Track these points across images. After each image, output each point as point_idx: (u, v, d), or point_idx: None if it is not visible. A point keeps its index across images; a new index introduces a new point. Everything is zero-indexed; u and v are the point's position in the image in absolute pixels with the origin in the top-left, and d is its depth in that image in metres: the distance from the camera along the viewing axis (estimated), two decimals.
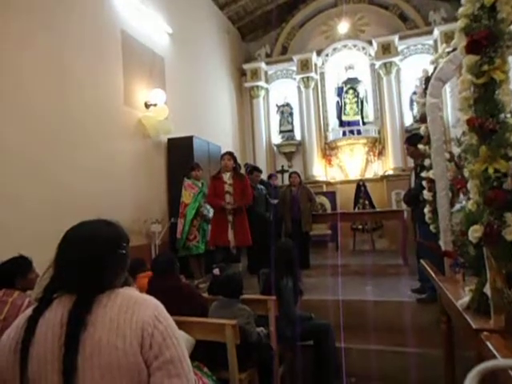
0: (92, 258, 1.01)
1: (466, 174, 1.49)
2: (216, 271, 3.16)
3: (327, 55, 8.86)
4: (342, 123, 8.60)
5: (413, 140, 3.73)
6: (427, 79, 2.65)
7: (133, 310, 0.98)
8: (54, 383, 0.92)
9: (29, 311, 1.02)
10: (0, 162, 3.29)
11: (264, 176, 6.70)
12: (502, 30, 1.37)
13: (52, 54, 3.91)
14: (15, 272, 2.23)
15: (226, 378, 2.35)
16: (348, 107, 8.54)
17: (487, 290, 1.42)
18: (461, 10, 1.49)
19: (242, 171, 5.50)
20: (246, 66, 9.04)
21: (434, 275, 2.49)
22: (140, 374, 0.94)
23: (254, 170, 5.65)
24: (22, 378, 0.93)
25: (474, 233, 1.40)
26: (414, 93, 7.56)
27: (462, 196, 2.19)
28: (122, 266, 1.11)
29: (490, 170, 1.34)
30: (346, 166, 8.58)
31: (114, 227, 1.12)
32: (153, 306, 1.01)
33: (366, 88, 8.64)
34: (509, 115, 1.38)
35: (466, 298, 1.61)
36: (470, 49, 1.42)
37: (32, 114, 3.64)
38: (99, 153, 4.41)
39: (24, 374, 0.93)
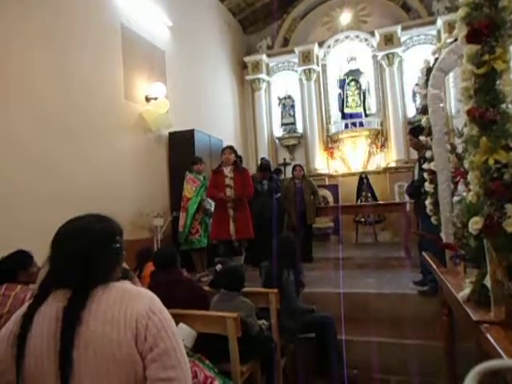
0: (86, 253, 1.01)
1: (467, 165, 1.48)
2: (218, 267, 3.17)
3: (329, 47, 8.78)
4: (344, 115, 8.55)
5: (416, 131, 3.70)
6: (429, 70, 2.62)
7: (127, 302, 0.98)
8: (50, 376, 0.93)
9: (25, 306, 1.03)
10: (10, 151, 3.38)
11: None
12: (503, 19, 1.34)
13: (51, 49, 3.90)
14: (17, 266, 2.26)
15: (227, 370, 2.36)
16: (350, 99, 8.48)
17: (487, 281, 1.42)
18: None
19: (255, 165, 5.52)
20: (247, 59, 8.97)
21: (435, 267, 2.49)
22: (135, 366, 0.95)
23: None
24: (19, 372, 0.94)
25: (475, 224, 1.38)
26: (417, 84, 7.50)
27: (460, 187, 2.17)
28: (116, 260, 1.11)
29: (491, 161, 1.33)
30: (349, 158, 8.54)
31: (107, 221, 1.11)
32: (147, 299, 1.02)
33: (368, 80, 8.57)
34: (510, 105, 1.36)
35: (467, 290, 1.61)
36: (471, 38, 1.39)
37: (37, 110, 3.67)
38: (101, 147, 4.42)
39: (20, 368, 0.94)
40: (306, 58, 8.57)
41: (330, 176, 8.53)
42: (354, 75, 8.52)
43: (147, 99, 5.32)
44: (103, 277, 1.03)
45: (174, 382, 0.95)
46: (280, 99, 9.18)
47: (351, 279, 4.29)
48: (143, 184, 5.11)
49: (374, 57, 8.45)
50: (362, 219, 7.55)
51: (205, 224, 4.88)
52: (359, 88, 8.45)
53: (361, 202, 7.38)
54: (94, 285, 1.00)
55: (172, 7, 6.13)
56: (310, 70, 8.59)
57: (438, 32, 7.71)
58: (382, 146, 8.36)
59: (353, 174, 8.19)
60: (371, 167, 8.36)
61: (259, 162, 6.68)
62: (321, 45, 8.68)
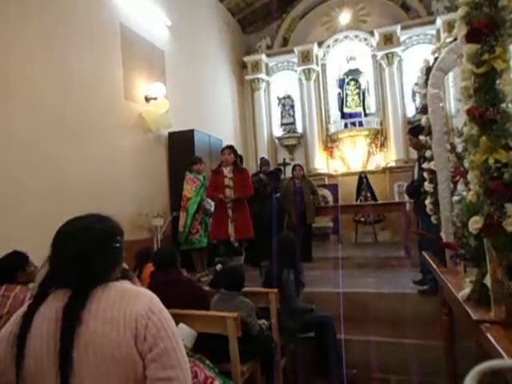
0: (86, 253, 1.01)
1: (467, 164, 1.48)
2: (218, 267, 3.17)
3: (328, 46, 8.78)
4: (343, 115, 8.55)
5: (416, 131, 3.70)
6: (428, 69, 2.62)
7: (127, 302, 0.98)
8: (50, 376, 0.93)
9: (25, 307, 1.03)
10: (10, 151, 3.38)
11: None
12: (503, 18, 1.34)
13: (51, 49, 3.89)
14: (15, 267, 2.26)
15: (228, 370, 2.36)
16: (350, 99, 8.48)
17: (487, 281, 1.42)
18: None
19: (254, 165, 5.56)
20: (246, 59, 8.97)
21: (435, 267, 2.49)
22: (134, 366, 0.94)
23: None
24: (18, 372, 0.94)
25: (475, 224, 1.38)
26: (417, 83, 7.50)
27: (459, 187, 2.17)
28: (116, 260, 1.10)
29: (491, 161, 1.33)
30: (348, 158, 8.54)
31: (107, 221, 1.11)
32: (147, 298, 1.01)
33: (367, 79, 8.57)
34: (510, 105, 1.36)
35: (467, 290, 1.60)
36: (470, 37, 1.39)
37: (38, 110, 3.67)
38: (101, 147, 4.41)
39: (20, 369, 0.94)
40: (306, 57, 8.56)
41: (330, 176, 8.53)
42: (354, 75, 8.52)
43: (147, 99, 5.31)
44: (103, 277, 1.03)
45: (174, 382, 0.94)
46: (279, 99, 9.18)
47: (351, 279, 4.29)
48: (143, 184, 5.11)
49: (374, 56, 8.45)
50: (362, 219, 7.55)
51: (205, 224, 4.88)
52: (359, 88, 8.45)
53: (360, 201, 7.37)
54: (94, 285, 1.00)
55: (171, 7, 6.13)
56: (309, 69, 8.58)
57: (438, 31, 7.71)
58: (382, 145, 8.36)
59: (352, 174, 8.19)
60: (371, 167, 8.36)
61: (259, 161, 6.68)
62: (320, 44, 8.68)
